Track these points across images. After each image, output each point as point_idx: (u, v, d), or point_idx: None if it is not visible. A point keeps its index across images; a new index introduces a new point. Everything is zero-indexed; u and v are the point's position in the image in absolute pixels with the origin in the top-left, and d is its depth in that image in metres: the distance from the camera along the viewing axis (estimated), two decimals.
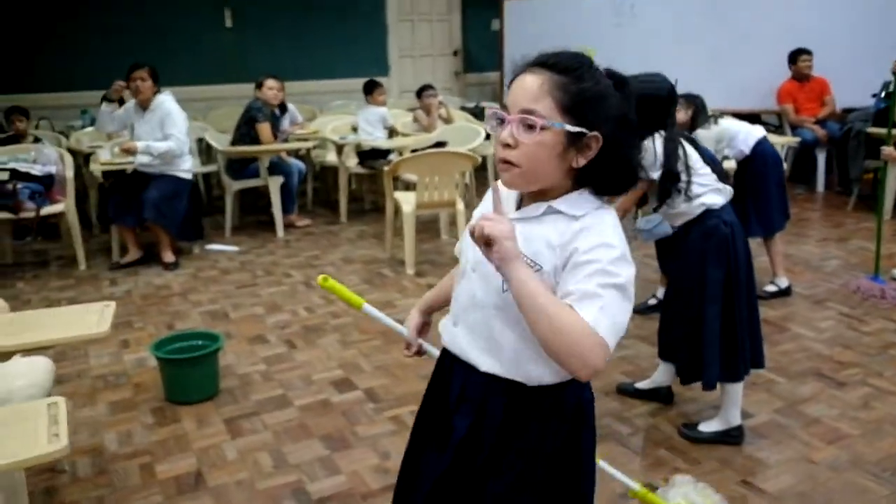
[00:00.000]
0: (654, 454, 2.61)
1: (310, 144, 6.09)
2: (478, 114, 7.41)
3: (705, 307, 2.54)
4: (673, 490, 2.25)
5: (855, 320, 3.73)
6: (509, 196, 1.33)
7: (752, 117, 6.11)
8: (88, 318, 2.24)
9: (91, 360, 3.44)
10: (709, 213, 2.57)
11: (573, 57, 1.24)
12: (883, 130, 5.17)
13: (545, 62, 1.23)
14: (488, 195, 1.36)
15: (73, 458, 2.60)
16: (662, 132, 2.59)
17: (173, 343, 3.11)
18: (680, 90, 6.47)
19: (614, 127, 1.22)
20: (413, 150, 5.30)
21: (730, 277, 2.54)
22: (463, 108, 7.49)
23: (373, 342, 3.59)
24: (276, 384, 3.18)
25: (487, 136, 5.69)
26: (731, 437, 2.63)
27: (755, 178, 3.95)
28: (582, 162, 1.23)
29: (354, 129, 6.23)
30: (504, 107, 1.25)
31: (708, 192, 2.58)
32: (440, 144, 5.73)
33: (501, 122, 1.24)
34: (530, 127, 1.20)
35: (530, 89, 1.21)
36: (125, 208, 4.75)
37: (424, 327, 1.60)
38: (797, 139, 6.14)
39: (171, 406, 2.98)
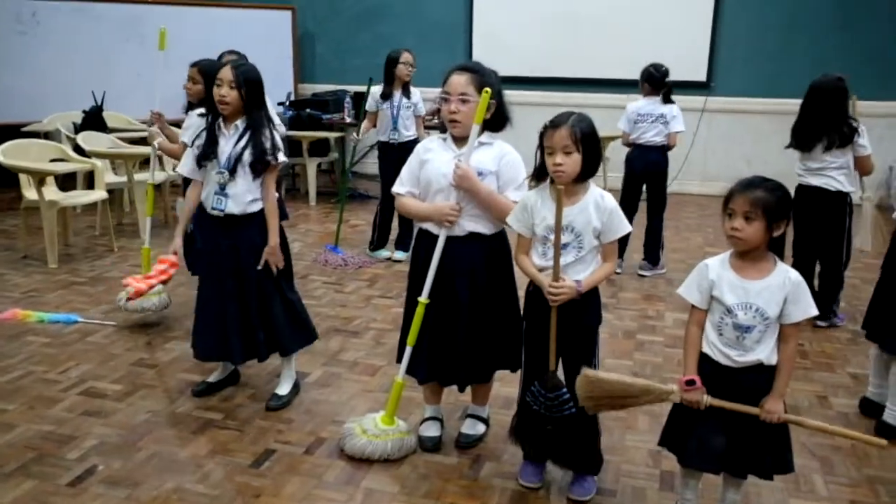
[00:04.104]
0: (255, 426, 2.93)
1: None
2: None
3: (286, 290, 3.03)
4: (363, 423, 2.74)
5: (337, 285, 4.64)
6: (448, 144, 2.55)
7: None
8: None
9: None
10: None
11: (477, 64, 2.57)
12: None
13: (465, 67, 2.50)
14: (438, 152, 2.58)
15: None
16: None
17: None
18: (109, 100, 6.58)
19: (498, 97, 2.49)
20: None
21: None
22: None
23: None
24: None
25: None
26: (299, 387, 3.20)
27: None
28: (488, 116, 2.46)
29: None
30: (446, 93, 2.46)
31: None
32: None
33: (445, 100, 2.47)
34: (465, 101, 2.43)
35: (462, 82, 2.45)
36: None
37: None
38: None
39: None
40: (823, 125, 3.82)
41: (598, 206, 2.29)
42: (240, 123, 2.88)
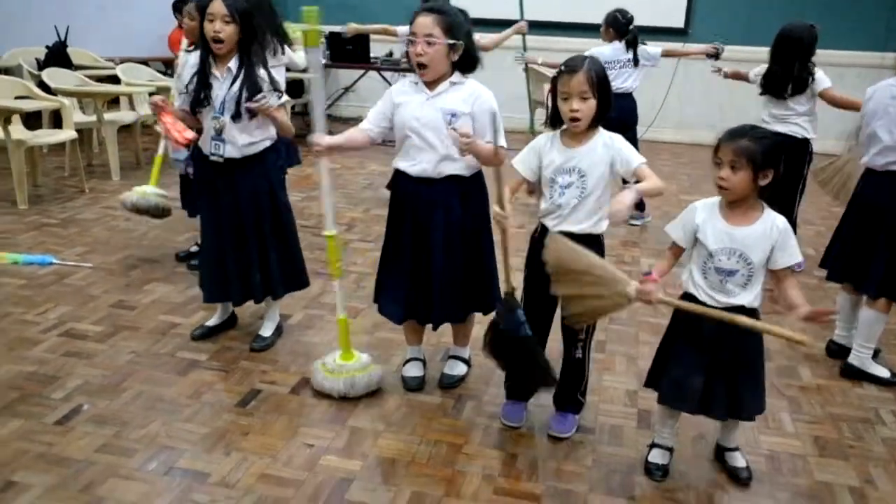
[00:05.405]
0: (239, 366, 2.95)
1: None
2: None
3: (283, 234, 3.02)
4: None
5: (315, 229, 4.61)
6: (420, 87, 2.49)
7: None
8: None
9: None
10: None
11: (443, 4, 2.56)
12: None
13: (430, 9, 2.42)
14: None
15: None
16: None
17: None
18: (73, 35, 6.33)
19: (466, 38, 2.44)
20: None
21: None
22: None
23: None
24: None
25: None
26: (281, 329, 3.24)
27: None
28: (455, 58, 2.44)
29: None
30: (413, 34, 2.39)
31: None
32: None
33: (412, 42, 2.38)
34: (431, 43, 2.37)
35: (428, 23, 2.38)
36: None
37: (330, 150, 2.55)
38: None
39: None
40: (792, 71, 3.88)
41: (607, 144, 2.29)
42: (233, 65, 2.79)
